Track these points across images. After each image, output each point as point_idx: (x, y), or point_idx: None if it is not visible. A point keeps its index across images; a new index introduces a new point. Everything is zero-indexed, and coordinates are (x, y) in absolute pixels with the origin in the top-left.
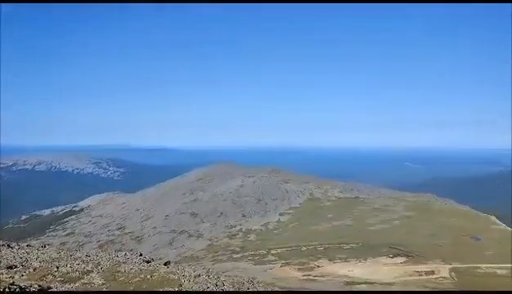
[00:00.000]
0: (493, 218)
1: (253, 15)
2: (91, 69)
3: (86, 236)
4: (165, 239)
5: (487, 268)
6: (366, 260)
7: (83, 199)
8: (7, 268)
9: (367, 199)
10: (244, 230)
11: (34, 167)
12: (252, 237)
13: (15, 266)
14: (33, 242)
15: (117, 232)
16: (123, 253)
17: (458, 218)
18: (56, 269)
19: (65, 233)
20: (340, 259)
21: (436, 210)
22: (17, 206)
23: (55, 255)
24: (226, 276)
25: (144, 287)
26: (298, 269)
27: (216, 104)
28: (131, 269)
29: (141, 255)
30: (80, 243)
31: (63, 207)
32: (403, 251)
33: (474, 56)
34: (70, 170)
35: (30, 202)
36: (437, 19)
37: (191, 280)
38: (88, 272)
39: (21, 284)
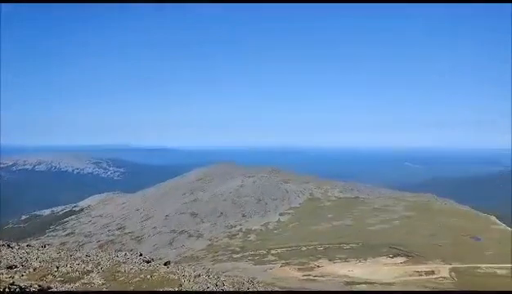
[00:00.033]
0: (493, 218)
1: (253, 15)
2: (91, 69)
3: (86, 236)
4: (165, 239)
5: (487, 268)
6: (365, 260)
7: (83, 199)
8: (7, 268)
9: (367, 199)
10: (244, 230)
11: (34, 167)
12: (252, 237)
13: (15, 266)
14: (33, 242)
15: (117, 232)
16: (123, 253)
17: (458, 218)
18: (56, 269)
19: (65, 233)
20: (340, 259)
21: (436, 210)
22: (17, 206)
23: (55, 255)
24: (226, 276)
25: (144, 287)
26: (298, 269)
27: (216, 104)
28: (131, 269)
29: (141, 255)
30: (80, 243)
31: (63, 207)
32: (403, 251)
33: (474, 56)
34: (70, 170)
35: (30, 202)
36: (437, 19)
37: (191, 280)
38: (88, 272)
39: (21, 284)
